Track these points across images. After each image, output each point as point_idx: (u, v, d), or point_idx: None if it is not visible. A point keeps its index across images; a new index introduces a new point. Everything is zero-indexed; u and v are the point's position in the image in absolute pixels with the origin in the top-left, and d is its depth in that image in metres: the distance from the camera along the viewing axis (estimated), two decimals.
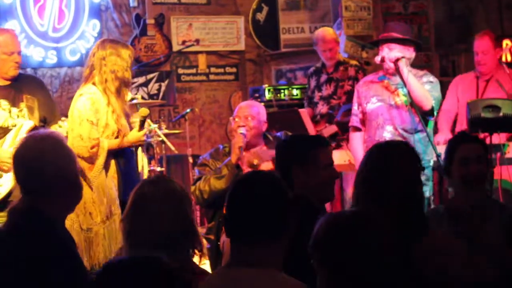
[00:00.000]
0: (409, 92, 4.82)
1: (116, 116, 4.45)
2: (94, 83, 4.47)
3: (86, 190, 3.97)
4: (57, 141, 2.89)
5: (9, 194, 4.59)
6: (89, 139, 4.34)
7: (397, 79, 4.99)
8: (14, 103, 4.74)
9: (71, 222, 4.21)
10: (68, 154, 2.89)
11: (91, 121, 4.37)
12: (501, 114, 4.87)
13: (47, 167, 2.78)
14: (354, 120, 5.21)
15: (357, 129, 5.20)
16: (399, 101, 4.98)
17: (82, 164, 4.22)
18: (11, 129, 4.69)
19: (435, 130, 5.70)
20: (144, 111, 4.63)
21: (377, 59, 4.99)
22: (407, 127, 4.95)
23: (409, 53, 5.00)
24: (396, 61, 4.88)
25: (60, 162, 2.82)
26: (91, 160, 4.36)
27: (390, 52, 4.94)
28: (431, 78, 5.07)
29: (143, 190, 2.81)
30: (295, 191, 3.13)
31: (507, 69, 5.69)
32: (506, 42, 8.56)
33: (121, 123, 4.49)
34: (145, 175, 6.07)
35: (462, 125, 5.58)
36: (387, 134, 4.95)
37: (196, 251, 2.79)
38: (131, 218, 2.78)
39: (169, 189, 2.79)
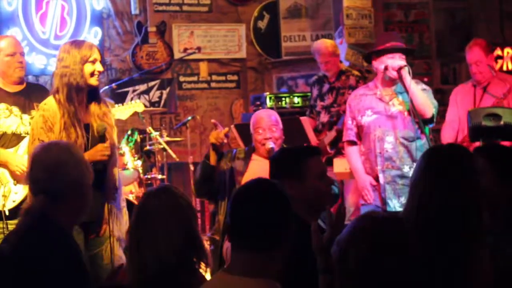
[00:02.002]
0: (411, 100, 4.82)
1: (70, 130, 4.09)
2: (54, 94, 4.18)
3: None
4: (77, 151, 3.06)
5: (22, 201, 4.61)
6: None
7: (389, 89, 5.02)
8: (25, 110, 4.75)
9: None
10: (86, 166, 3.01)
11: (41, 140, 4.04)
12: (502, 122, 4.87)
13: (67, 173, 2.91)
14: (350, 135, 5.14)
15: (353, 143, 5.16)
16: (396, 110, 4.97)
17: None
18: (24, 136, 4.71)
19: (437, 140, 5.70)
20: (100, 125, 4.15)
21: (381, 67, 4.98)
22: (408, 135, 4.94)
23: (404, 62, 4.99)
24: (399, 70, 4.88)
25: (78, 171, 2.95)
26: None
27: (394, 61, 4.94)
28: (424, 86, 5.08)
29: (147, 203, 2.80)
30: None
31: (500, 75, 5.70)
32: (507, 51, 8.58)
33: (78, 134, 4.10)
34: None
35: (463, 133, 5.58)
36: (388, 145, 4.92)
37: (202, 263, 2.78)
38: (135, 232, 2.78)
39: (174, 201, 2.78)
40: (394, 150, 4.92)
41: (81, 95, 4.17)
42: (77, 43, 4.24)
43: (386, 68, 4.95)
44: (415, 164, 4.82)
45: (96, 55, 4.20)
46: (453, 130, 5.76)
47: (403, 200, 4.83)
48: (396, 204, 4.89)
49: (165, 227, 2.70)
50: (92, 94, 4.24)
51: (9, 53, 4.75)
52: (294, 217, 2.51)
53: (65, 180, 2.88)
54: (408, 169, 4.87)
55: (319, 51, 6.75)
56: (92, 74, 4.16)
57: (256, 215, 2.43)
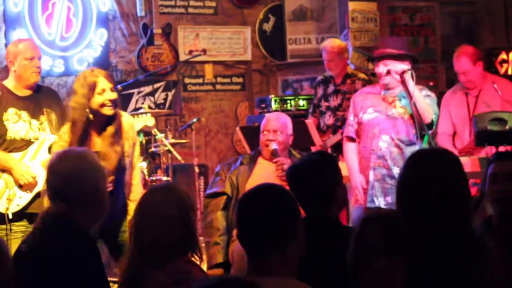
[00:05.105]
0: (414, 104, 4.83)
1: None
2: None
3: None
4: (93, 158, 3.08)
5: (27, 205, 4.62)
6: None
7: (394, 92, 5.05)
8: (34, 115, 4.75)
9: None
10: (102, 172, 3.06)
11: None
12: (507, 127, 4.87)
13: (83, 182, 2.95)
14: (350, 131, 5.21)
15: (351, 139, 5.22)
16: (396, 112, 5.01)
17: None
18: (32, 142, 4.71)
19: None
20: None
21: (383, 71, 5.01)
22: (403, 138, 4.98)
23: (406, 67, 5.00)
24: (402, 74, 4.90)
25: (94, 179, 3.00)
26: None
27: (396, 65, 4.95)
28: (429, 92, 5.11)
29: (154, 196, 2.93)
30: (332, 211, 3.31)
31: (494, 79, 5.72)
32: None
33: None
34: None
35: (462, 143, 5.60)
36: (383, 143, 4.98)
37: (195, 255, 2.93)
38: (141, 223, 2.88)
39: (180, 195, 2.91)
40: (388, 149, 4.96)
41: (92, 126, 4.23)
42: (84, 79, 4.26)
43: (388, 72, 4.97)
44: None
45: (103, 85, 4.22)
46: (449, 138, 5.75)
47: (390, 199, 4.89)
48: (381, 202, 4.94)
49: (172, 219, 2.83)
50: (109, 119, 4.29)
51: (28, 57, 4.75)
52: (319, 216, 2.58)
53: (81, 188, 2.94)
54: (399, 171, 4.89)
55: (325, 49, 6.86)
56: (102, 105, 4.21)
57: (263, 217, 2.47)
